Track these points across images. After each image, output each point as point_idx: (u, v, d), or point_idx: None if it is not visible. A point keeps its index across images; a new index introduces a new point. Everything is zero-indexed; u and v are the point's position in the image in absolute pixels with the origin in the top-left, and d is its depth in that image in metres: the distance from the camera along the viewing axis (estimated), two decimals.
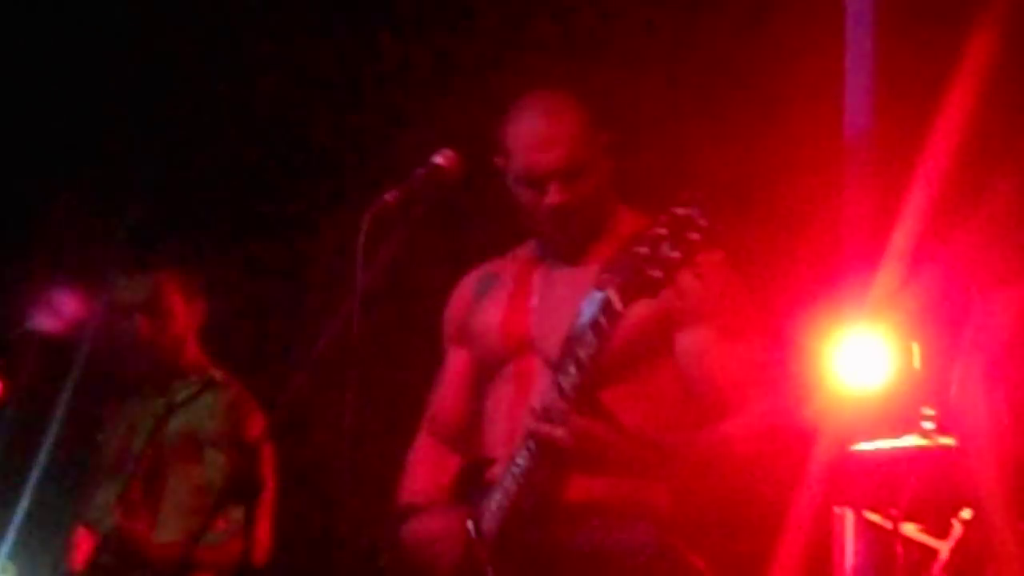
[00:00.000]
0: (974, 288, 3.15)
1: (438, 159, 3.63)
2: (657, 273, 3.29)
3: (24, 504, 5.17)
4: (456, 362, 4.01)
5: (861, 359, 5.43)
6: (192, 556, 4.25)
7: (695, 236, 3.25)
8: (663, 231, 3.28)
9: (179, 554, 4.30)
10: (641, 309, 3.47)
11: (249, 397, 4.78)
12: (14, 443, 5.33)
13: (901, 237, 5.35)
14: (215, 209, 6.12)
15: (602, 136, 3.79)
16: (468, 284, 4.03)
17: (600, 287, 3.42)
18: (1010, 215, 3.11)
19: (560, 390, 3.50)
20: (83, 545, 4.71)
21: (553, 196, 3.70)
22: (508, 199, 3.84)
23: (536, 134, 3.72)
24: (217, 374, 4.69)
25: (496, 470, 3.71)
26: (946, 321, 3.76)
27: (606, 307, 3.41)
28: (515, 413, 3.73)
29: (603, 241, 3.80)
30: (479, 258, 4.08)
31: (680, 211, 3.27)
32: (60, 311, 5.04)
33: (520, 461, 3.59)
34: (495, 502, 3.65)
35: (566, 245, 3.85)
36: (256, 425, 4.69)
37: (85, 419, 5.18)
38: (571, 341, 3.50)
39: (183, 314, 4.84)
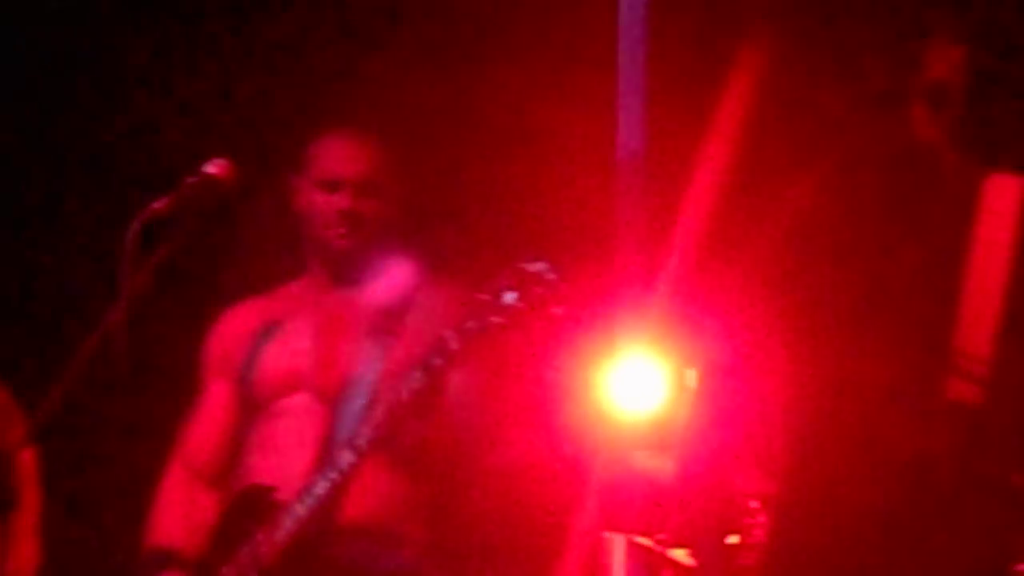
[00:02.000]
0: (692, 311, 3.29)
1: (210, 168, 3.57)
2: (497, 319, 3.43)
3: None
4: (217, 395, 4.01)
5: (635, 383, 5.45)
6: None
7: (540, 290, 3.47)
8: (507, 282, 3.47)
9: None
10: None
11: (9, 402, 4.56)
12: None
13: (674, 261, 5.39)
14: None
15: (396, 184, 4.08)
16: (237, 319, 4.03)
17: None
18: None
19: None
20: None
21: (343, 201, 3.95)
22: (295, 217, 4.11)
23: (344, 147, 4.07)
24: None
25: (276, 497, 3.79)
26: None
27: (441, 347, 3.52)
28: (288, 448, 3.85)
29: (375, 286, 3.96)
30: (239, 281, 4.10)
31: (528, 267, 3.50)
32: None
33: (318, 490, 3.70)
34: (281, 527, 3.74)
35: (341, 264, 3.96)
36: (14, 432, 4.48)
37: None
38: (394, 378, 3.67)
39: None
